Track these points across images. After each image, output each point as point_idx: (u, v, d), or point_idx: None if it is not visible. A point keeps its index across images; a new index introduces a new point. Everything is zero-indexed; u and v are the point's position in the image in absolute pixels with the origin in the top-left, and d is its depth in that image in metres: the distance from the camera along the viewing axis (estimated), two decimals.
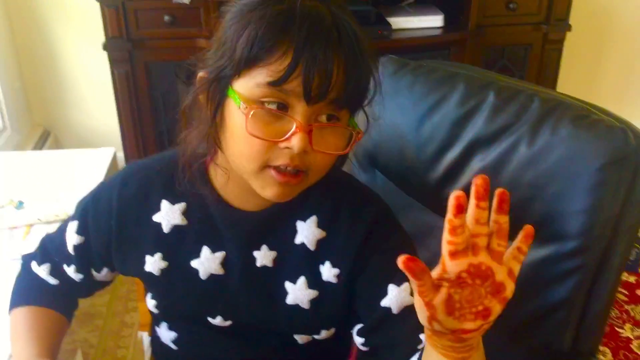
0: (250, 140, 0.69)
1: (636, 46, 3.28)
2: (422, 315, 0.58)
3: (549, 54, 2.57)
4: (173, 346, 0.92)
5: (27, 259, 0.96)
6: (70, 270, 0.90)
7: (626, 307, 2.16)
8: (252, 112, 0.68)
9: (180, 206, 0.82)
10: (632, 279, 2.31)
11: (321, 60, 0.65)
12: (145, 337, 1.69)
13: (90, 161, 1.41)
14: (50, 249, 0.93)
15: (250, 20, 0.68)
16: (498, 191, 0.55)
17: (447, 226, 0.54)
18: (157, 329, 0.95)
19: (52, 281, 0.93)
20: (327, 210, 0.81)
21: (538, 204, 0.90)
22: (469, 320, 0.57)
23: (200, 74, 0.75)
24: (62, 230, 0.91)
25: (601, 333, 0.96)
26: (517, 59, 2.61)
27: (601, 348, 1.97)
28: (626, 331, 2.05)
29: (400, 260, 0.53)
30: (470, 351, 0.62)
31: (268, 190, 0.73)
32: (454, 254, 0.55)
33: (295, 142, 0.67)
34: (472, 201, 0.54)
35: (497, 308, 0.57)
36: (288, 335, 0.86)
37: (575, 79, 3.19)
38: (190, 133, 0.78)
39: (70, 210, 1.19)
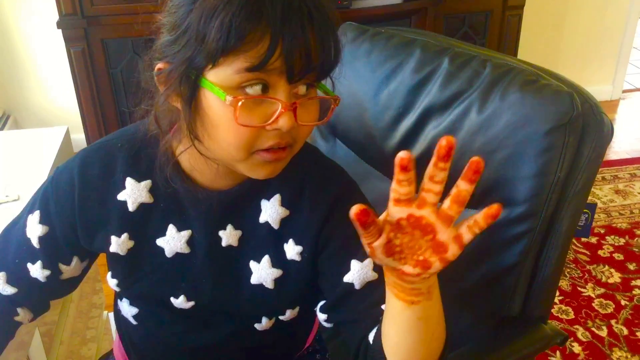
0: (239, 130, 0.66)
1: (596, 10, 3.31)
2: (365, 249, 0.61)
3: (509, 20, 2.58)
4: (133, 321, 0.91)
5: None
6: (36, 268, 0.84)
7: (588, 267, 2.22)
8: (240, 103, 0.65)
9: (146, 183, 0.80)
10: (593, 239, 2.37)
11: (300, 38, 0.63)
12: (111, 316, 1.68)
13: (42, 141, 1.37)
14: (7, 252, 0.86)
15: (216, 6, 0.64)
16: (473, 159, 0.54)
17: (394, 177, 0.56)
18: (119, 302, 0.93)
19: (8, 290, 0.86)
20: (291, 188, 0.80)
21: (487, 170, 0.89)
22: (410, 264, 0.59)
23: (159, 65, 0.70)
24: (19, 227, 0.85)
25: (551, 299, 0.97)
26: (478, 26, 2.61)
27: (564, 307, 2.03)
28: (588, 290, 2.11)
29: (352, 213, 0.54)
30: (419, 296, 0.63)
31: (259, 171, 0.72)
32: (397, 201, 0.57)
33: (283, 122, 0.66)
34: (433, 159, 0.54)
35: (437, 264, 0.58)
36: (249, 320, 0.86)
37: (536, 45, 3.22)
38: (159, 124, 0.75)
39: (21, 190, 1.17)
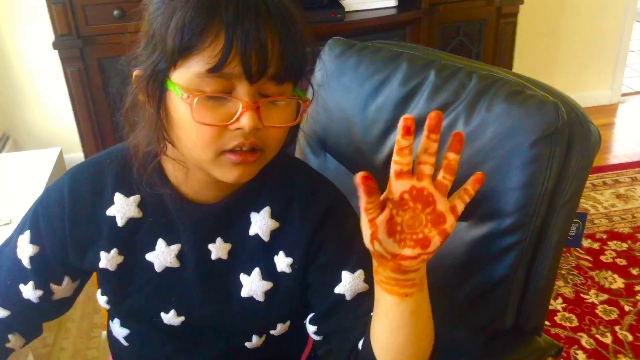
0: (200, 129, 0.67)
1: (591, 15, 3.31)
2: (365, 234, 0.62)
3: (503, 28, 2.58)
4: (124, 342, 0.91)
5: None
6: (28, 289, 0.83)
7: (590, 273, 2.20)
8: (195, 100, 0.66)
9: (135, 198, 0.80)
10: (596, 245, 2.35)
11: (254, 35, 0.64)
12: None
13: (35, 163, 1.37)
14: None
15: (175, 8, 0.66)
16: (455, 132, 0.60)
17: (395, 147, 0.59)
18: (111, 323, 0.93)
19: (1, 314, 0.85)
20: (280, 200, 0.80)
21: None
22: (409, 246, 0.62)
23: (136, 72, 0.72)
24: (10, 248, 0.85)
25: (544, 311, 0.97)
26: (473, 35, 2.61)
27: (567, 315, 2.01)
28: (591, 297, 2.09)
29: (359, 177, 0.58)
30: (413, 287, 0.65)
31: (228, 174, 0.71)
32: (399, 174, 0.60)
33: (245, 121, 0.66)
34: (424, 132, 0.59)
35: (436, 239, 0.61)
36: (240, 338, 0.86)
37: (532, 52, 3.22)
38: (137, 134, 0.76)
39: (13, 213, 1.17)
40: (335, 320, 0.80)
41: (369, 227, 0.61)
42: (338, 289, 0.78)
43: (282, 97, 0.70)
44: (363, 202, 0.60)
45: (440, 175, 0.60)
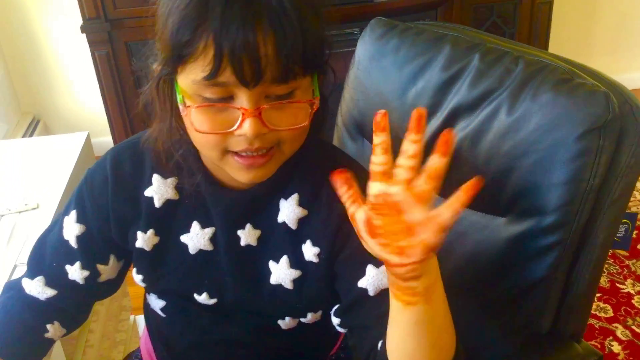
0: (202, 134, 0.67)
1: None
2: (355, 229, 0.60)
3: (539, 8, 2.49)
4: (161, 314, 0.92)
5: (14, 284, 0.89)
6: (75, 269, 0.85)
7: (627, 262, 2.14)
8: (192, 110, 0.65)
9: (172, 180, 0.81)
10: (633, 233, 2.29)
11: (243, 40, 0.60)
12: (138, 319, 1.68)
13: (62, 147, 1.37)
14: (44, 257, 0.87)
15: (171, 9, 0.64)
16: (445, 130, 0.54)
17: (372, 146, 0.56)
18: (147, 295, 0.95)
19: (49, 293, 0.86)
20: (310, 188, 0.79)
21: (515, 175, 0.86)
22: (393, 253, 0.57)
23: (154, 66, 0.71)
24: (55, 232, 0.86)
25: (585, 316, 0.92)
26: (507, 15, 2.54)
27: (602, 305, 1.96)
28: (627, 287, 2.03)
29: (333, 173, 0.56)
30: (415, 296, 0.61)
31: (239, 175, 0.71)
32: (373, 175, 0.57)
33: (247, 128, 0.64)
34: (406, 132, 0.54)
35: (417, 251, 0.56)
36: (272, 319, 0.86)
37: (569, 33, 3.12)
38: (155, 128, 0.77)
39: (41, 198, 1.17)
40: (357, 315, 0.78)
41: (353, 224, 0.60)
42: (361, 283, 0.76)
43: (282, 102, 0.66)
44: (340, 194, 0.59)
45: (421, 181, 0.55)
